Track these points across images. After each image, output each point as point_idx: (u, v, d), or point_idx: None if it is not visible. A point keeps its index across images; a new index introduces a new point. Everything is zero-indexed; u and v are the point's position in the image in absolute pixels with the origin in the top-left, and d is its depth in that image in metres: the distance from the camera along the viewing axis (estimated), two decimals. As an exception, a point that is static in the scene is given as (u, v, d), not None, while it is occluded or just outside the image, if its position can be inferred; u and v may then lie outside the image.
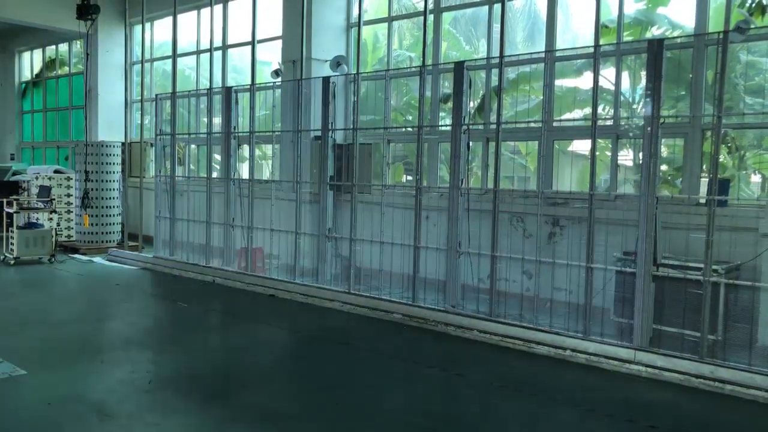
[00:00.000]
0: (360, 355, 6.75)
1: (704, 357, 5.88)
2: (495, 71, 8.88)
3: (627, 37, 8.52)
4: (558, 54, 8.38)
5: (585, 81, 8.92)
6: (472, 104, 9.23)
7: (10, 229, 11.53)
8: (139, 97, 13.84)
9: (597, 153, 6.84)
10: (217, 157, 11.05)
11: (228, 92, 10.44)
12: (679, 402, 5.49)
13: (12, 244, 11.40)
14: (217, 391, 5.45)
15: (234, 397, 5.33)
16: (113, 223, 13.27)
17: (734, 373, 5.60)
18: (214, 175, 11.01)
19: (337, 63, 10.11)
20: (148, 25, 14.23)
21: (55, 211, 12.35)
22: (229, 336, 7.39)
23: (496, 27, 9.03)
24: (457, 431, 4.79)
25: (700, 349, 5.95)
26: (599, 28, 8.04)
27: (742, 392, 5.49)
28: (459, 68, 7.72)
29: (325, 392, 5.52)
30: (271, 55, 11.92)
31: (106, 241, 13.07)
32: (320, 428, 4.79)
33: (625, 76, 8.45)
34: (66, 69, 17.80)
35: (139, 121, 14.21)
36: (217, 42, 12.50)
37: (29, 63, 19.22)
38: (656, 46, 6.26)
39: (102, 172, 13.02)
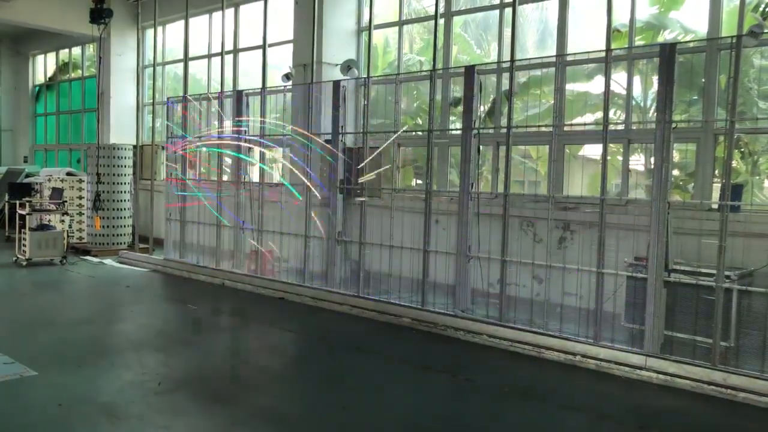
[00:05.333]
0: (368, 358, 6.73)
1: (716, 364, 5.83)
2: (506, 75, 8.86)
3: (639, 41, 8.48)
4: (569, 58, 8.35)
5: (596, 85, 8.88)
6: (482, 108, 9.20)
7: (22, 230, 11.62)
8: (151, 101, 13.94)
9: (608, 157, 6.81)
10: (228, 160, 11.08)
11: (239, 96, 10.48)
12: (690, 409, 5.44)
13: (24, 245, 11.49)
14: (227, 393, 5.45)
15: (243, 400, 5.33)
16: (124, 226, 13.35)
17: (747, 380, 5.54)
18: (225, 178, 11.05)
19: (347, 67, 10.13)
20: (160, 29, 14.33)
21: (66, 213, 12.43)
22: (239, 339, 7.40)
23: (507, 31, 9.01)
24: (466, 436, 4.77)
25: (712, 355, 5.90)
26: (611, 32, 8.00)
27: (755, 400, 5.43)
28: (470, 72, 7.72)
29: (333, 395, 5.52)
30: (282, 59, 11.96)
31: (117, 243, 13.14)
32: (327, 431, 4.79)
33: (637, 80, 8.41)
34: (79, 72, 17.95)
35: (151, 124, 14.32)
36: (229, 46, 12.55)
37: (43, 66, 19.40)
38: (668, 51, 6.22)
39: (113, 174, 13.11)
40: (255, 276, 9.94)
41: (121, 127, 15.28)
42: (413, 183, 11.19)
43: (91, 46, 16.86)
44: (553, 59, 8.17)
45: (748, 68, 7.67)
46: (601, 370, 6.27)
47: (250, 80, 13.04)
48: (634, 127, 8.07)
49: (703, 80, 7.53)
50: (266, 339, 7.40)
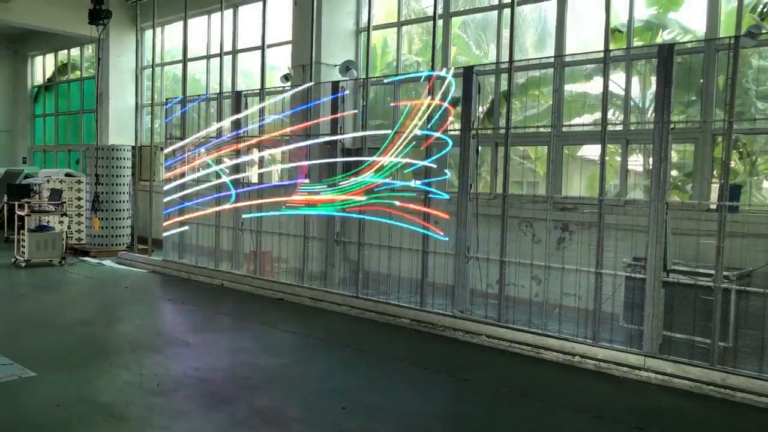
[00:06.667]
0: (367, 359, 6.74)
1: (715, 364, 5.84)
2: (504, 76, 8.87)
3: (637, 41, 8.49)
4: (568, 59, 8.36)
5: (595, 86, 8.89)
6: (481, 109, 9.21)
7: (21, 231, 11.61)
8: (150, 101, 13.94)
9: (606, 158, 6.81)
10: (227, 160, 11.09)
11: (238, 96, 10.49)
12: (689, 409, 5.45)
13: (23, 246, 11.48)
14: (226, 394, 5.45)
15: (242, 400, 5.33)
16: (123, 227, 13.35)
17: (745, 380, 5.55)
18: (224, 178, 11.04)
19: (346, 68, 10.13)
20: (158, 30, 14.34)
21: (65, 214, 12.43)
22: (238, 339, 7.40)
23: (506, 32, 9.03)
24: (464, 437, 4.78)
25: (711, 356, 5.90)
26: (609, 33, 8.03)
27: (753, 400, 5.44)
28: (468, 73, 7.72)
29: (332, 396, 5.52)
30: (281, 60, 11.96)
31: (116, 244, 13.14)
32: (327, 431, 4.79)
33: (635, 81, 8.42)
34: (78, 73, 17.95)
35: (150, 125, 14.32)
36: (227, 47, 12.57)
37: (42, 67, 19.40)
38: (666, 51, 6.23)
39: (112, 175, 13.10)
40: (254, 277, 9.94)
41: (120, 128, 15.28)
42: (412, 183, 11.17)
43: (90, 47, 16.85)
44: (552, 60, 8.18)
45: (746, 69, 7.68)
46: (599, 370, 6.27)
47: (249, 81, 13.05)
48: (633, 128, 8.09)
49: (702, 81, 7.55)
50: (265, 339, 7.40)
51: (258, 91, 10.44)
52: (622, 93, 8.31)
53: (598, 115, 7.96)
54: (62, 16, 14.64)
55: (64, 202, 12.41)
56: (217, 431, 4.75)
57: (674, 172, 8.15)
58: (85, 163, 14.13)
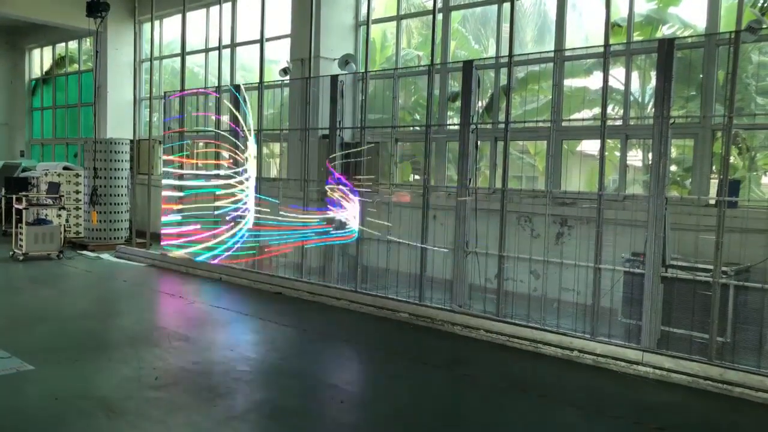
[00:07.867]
0: (366, 353, 6.74)
1: (713, 359, 5.84)
2: (504, 70, 8.85)
3: (638, 36, 8.47)
4: (567, 53, 8.34)
5: (594, 81, 8.88)
6: (480, 103, 9.19)
7: (19, 225, 11.59)
8: (148, 95, 13.90)
9: (606, 153, 6.80)
10: (225, 154, 11.06)
11: (236, 90, 10.45)
12: (687, 404, 5.46)
13: (21, 240, 11.46)
14: (224, 388, 5.45)
15: (240, 394, 5.33)
16: (121, 220, 13.33)
17: (743, 375, 5.55)
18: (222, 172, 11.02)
19: (345, 61, 10.10)
20: (157, 23, 14.29)
21: (63, 208, 12.40)
22: (235, 333, 7.40)
23: (506, 26, 9.00)
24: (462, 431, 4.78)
25: (709, 351, 5.91)
26: (609, 27, 8.01)
27: (751, 395, 5.45)
28: (468, 67, 7.70)
29: (330, 390, 5.52)
30: (280, 54, 11.93)
31: (114, 238, 13.12)
32: (324, 426, 4.79)
33: (635, 75, 8.41)
34: (76, 66, 17.89)
35: (148, 119, 14.28)
36: (226, 40, 12.52)
37: (39, 60, 19.34)
38: (667, 46, 6.22)
39: (111, 169, 13.07)
40: (252, 271, 9.93)
41: (118, 122, 15.25)
42: (411, 178, 11.18)
43: (88, 40, 16.79)
44: (551, 54, 8.16)
45: (746, 64, 7.67)
46: (598, 365, 6.28)
47: (248, 75, 13.01)
48: (632, 123, 8.08)
49: (702, 76, 7.53)
50: (263, 333, 7.40)
51: (257, 84, 10.41)
52: (622, 88, 8.29)
53: (597, 110, 7.96)
54: (60, 9, 14.57)
55: (62, 196, 12.38)
56: (216, 425, 4.75)
57: (673, 168, 8.14)
58: (83, 156, 14.10)
